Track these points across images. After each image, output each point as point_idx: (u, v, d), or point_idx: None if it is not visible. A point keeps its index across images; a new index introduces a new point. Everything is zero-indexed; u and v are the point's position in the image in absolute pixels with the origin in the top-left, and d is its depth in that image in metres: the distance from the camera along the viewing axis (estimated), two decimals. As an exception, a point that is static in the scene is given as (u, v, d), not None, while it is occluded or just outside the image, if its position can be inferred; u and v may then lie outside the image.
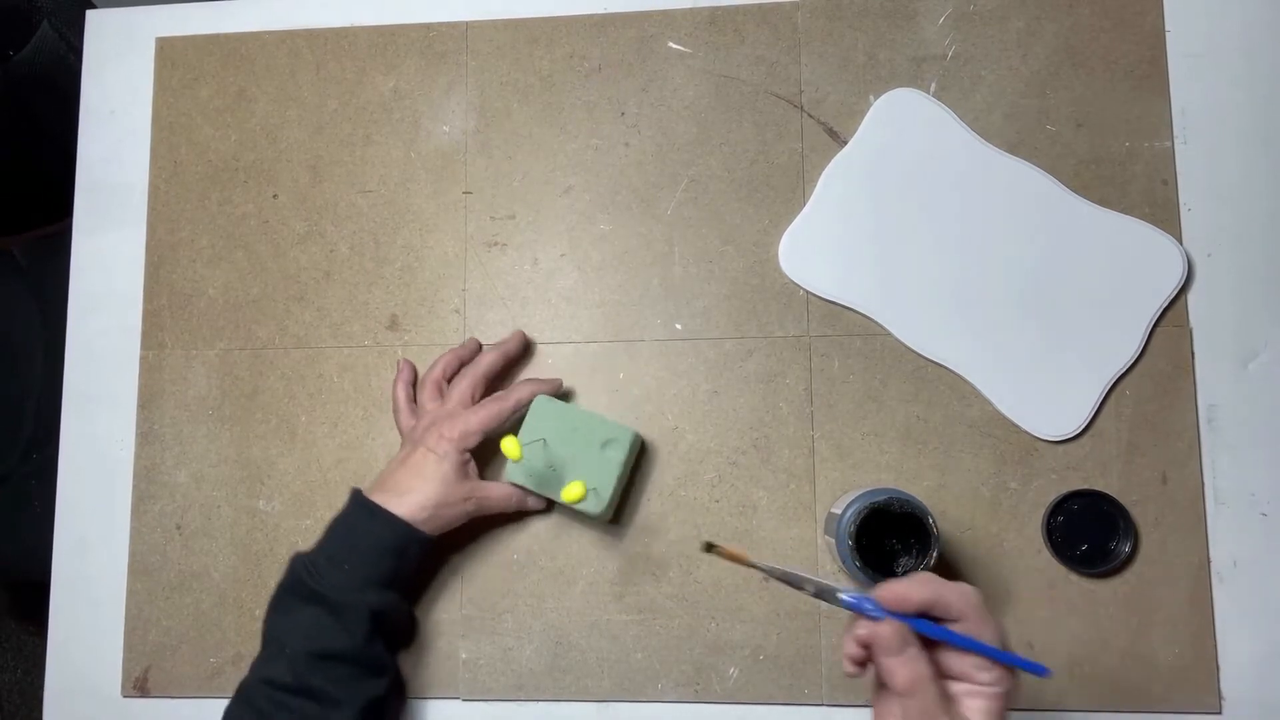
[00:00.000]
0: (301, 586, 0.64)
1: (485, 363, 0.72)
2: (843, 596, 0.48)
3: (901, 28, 0.77)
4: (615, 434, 0.70)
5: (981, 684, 0.46)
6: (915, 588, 0.47)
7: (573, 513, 0.72)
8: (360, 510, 0.66)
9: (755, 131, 0.77)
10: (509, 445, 0.65)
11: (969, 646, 0.46)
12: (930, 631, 0.46)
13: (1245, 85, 0.74)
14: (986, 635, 0.46)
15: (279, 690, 0.61)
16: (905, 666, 0.45)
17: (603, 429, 0.70)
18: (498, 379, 0.73)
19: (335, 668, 0.62)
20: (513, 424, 0.70)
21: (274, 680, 0.62)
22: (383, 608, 0.64)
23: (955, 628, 0.46)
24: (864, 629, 0.47)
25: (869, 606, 0.47)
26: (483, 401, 0.70)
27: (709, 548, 0.53)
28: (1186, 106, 0.74)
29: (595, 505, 0.68)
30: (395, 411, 0.73)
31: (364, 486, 0.68)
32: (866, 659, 0.48)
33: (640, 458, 0.73)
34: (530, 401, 0.70)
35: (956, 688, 0.47)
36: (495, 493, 0.70)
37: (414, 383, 0.75)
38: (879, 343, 0.73)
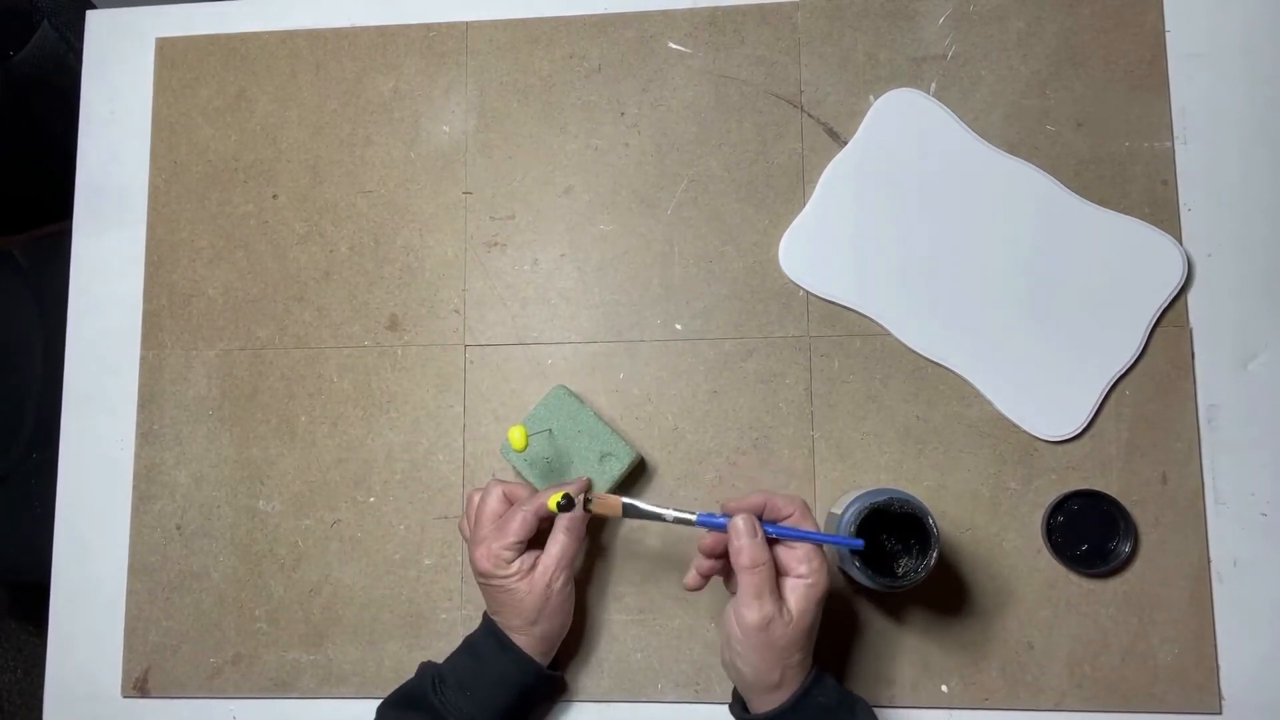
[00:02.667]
0: (424, 700, 0.64)
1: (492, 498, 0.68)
2: (697, 516, 0.61)
3: (901, 28, 0.77)
4: (617, 449, 0.70)
5: (801, 576, 0.59)
6: (751, 496, 0.62)
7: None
8: (490, 639, 0.66)
9: (755, 131, 0.77)
10: (516, 435, 0.65)
11: (796, 535, 0.60)
12: (767, 528, 0.60)
13: (1245, 85, 0.74)
14: (808, 527, 0.61)
15: None
16: (750, 547, 0.59)
17: (608, 440, 0.70)
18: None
19: None
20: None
21: None
22: None
23: (786, 523, 0.61)
24: (711, 539, 0.62)
25: (721, 520, 0.61)
26: (506, 516, 0.67)
27: (586, 504, 0.63)
28: (1186, 106, 0.74)
29: (580, 512, 0.68)
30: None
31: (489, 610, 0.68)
32: (707, 575, 0.63)
33: (636, 467, 0.73)
34: (543, 505, 0.66)
35: (784, 581, 0.60)
36: (554, 550, 0.66)
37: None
38: (879, 343, 0.73)
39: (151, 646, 0.76)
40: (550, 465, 0.70)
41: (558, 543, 0.66)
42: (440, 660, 0.68)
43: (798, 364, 0.74)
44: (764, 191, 0.76)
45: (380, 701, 0.67)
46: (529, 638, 0.65)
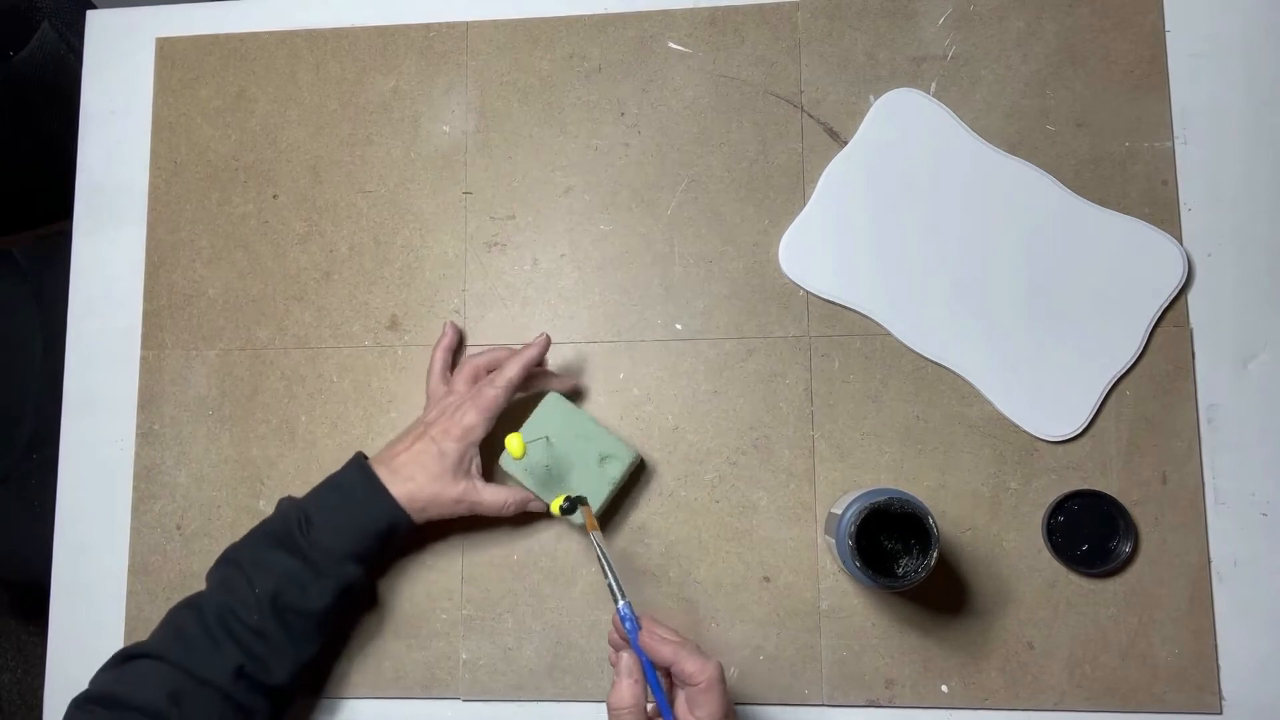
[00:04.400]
0: (289, 538, 0.65)
1: (517, 365, 0.69)
2: (622, 604, 0.59)
3: (901, 28, 0.77)
4: (617, 451, 0.70)
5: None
6: (664, 647, 0.57)
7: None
8: (363, 482, 0.67)
9: (755, 131, 0.77)
10: (513, 442, 0.65)
11: (663, 713, 0.56)
12: (651, 681, 0.57)
13: (1245, 85, 0.74)
14: (706, 709, 0.55)
15: (238, 622, 0.63)
16: (622, 688, 0.56)
17: (606, 443, 0.70)
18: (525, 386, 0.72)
19: (294, 622, 0.64)
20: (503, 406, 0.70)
21: (236, 613, 0.63)
22: (355, 582, 0.66)
23: (689, 690, 0.55)
24: (615, 633, 0.60)
25: (628, 624, 0.58)
26: (477, 389, 0.69)
27: (570, 506, 0.64)
28: (1186, 106, 0.74)
29: (579, 517, 0.68)
30: (428, 373, 0.74)
31: (369, 452, 0.70)
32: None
33: (636, 468, 0.73)
34: (518, 378, 0.69)
35: None
36: (489, 498, 0.69)
37: (455, 349, 0.75)
38: (879, 343, 0.73)
39: (151, 646, 0.76)
40: (550, 472, 0.70)
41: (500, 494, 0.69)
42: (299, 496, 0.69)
43: (798, 364, 0.74)
44: (764, 191, 0.76)
45: (232, 544, 0.67)
46: (404, 494, 0.66)
